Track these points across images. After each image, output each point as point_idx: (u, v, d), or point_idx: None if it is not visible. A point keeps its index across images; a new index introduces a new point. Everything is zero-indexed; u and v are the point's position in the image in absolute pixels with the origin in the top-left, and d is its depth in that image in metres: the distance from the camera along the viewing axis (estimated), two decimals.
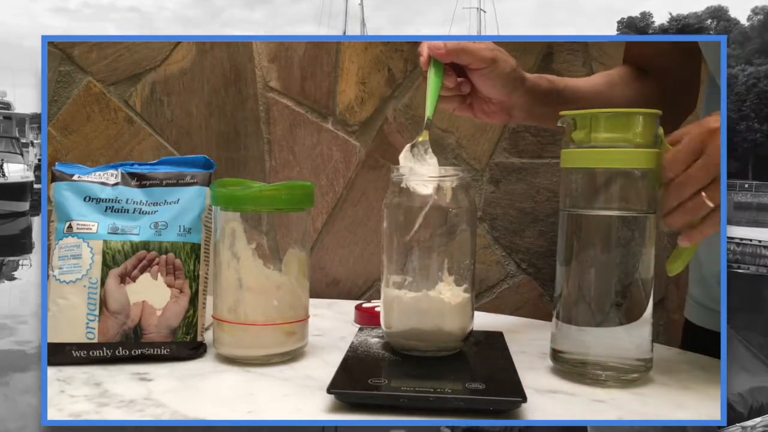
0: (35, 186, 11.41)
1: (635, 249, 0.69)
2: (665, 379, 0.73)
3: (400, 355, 0.75)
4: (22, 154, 11.90)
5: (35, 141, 15.68)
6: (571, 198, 0.72)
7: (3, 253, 7.13)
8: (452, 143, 1.25)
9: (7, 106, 16.28)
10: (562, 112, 0.71)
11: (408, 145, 0.77)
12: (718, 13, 31.94)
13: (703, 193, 0.63)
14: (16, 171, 10.63)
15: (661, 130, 0.68)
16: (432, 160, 0.76)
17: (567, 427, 0.67)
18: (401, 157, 0.76)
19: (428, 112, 0.77)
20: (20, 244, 8.38)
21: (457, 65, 0.79)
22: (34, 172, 12.71)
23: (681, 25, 29.37)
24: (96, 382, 0.70)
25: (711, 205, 0.63)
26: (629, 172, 0.68)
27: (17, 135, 13.05)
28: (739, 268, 8.92)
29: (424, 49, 0.76)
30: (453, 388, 0.64)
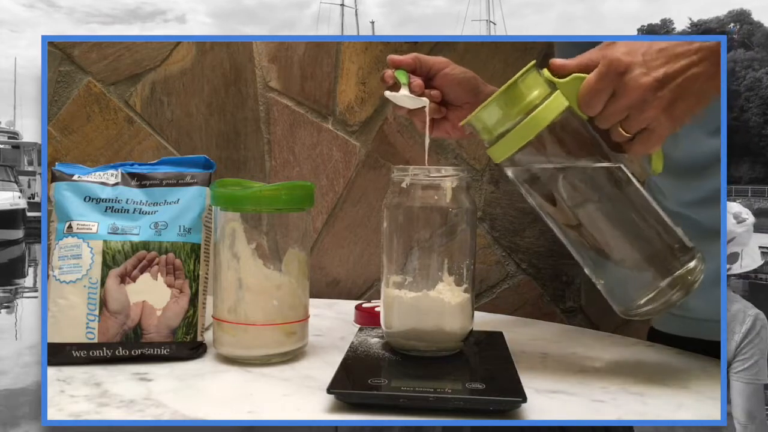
0: (30, 214, 11.14)
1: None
2: (665, 379, 0.73)
3: (400, 355, 0.75)
4: (16, 182, 11.70)
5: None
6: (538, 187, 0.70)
7: None
8: (452, 143, 1.25)
9: (15, 135, 16.22)
10: (462, 123, 0.71)
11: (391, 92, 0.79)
12: (741, 17, 31.58)
13: (619, 126, 0.66)
14: (5, 199, 10.39)
15: (545, 72, 0.68)
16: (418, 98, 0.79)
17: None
18: (386, 93, 0.78)
19: (403, 81, 0.79)
20: (8, 273, 8.05)
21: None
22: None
23: (701, 30, 29.11)
24: (96, 382, 0.70)
25: (627, 135, 0.67)
26: (553, 126, 0.67)
27: (11, 164, 12.84)
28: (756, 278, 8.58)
29: (387, 70, 0.82)
30: (453, 388, 0.64)
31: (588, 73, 0.66)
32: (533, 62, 0.68)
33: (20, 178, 13.31)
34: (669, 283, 0.68)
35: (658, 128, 0.66)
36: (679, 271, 0.68)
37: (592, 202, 0.69)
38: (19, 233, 10.43)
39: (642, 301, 0.69)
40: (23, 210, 10.90)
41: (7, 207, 10.29)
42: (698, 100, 0.65)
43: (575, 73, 0.66)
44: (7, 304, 6.55)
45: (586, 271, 0.72)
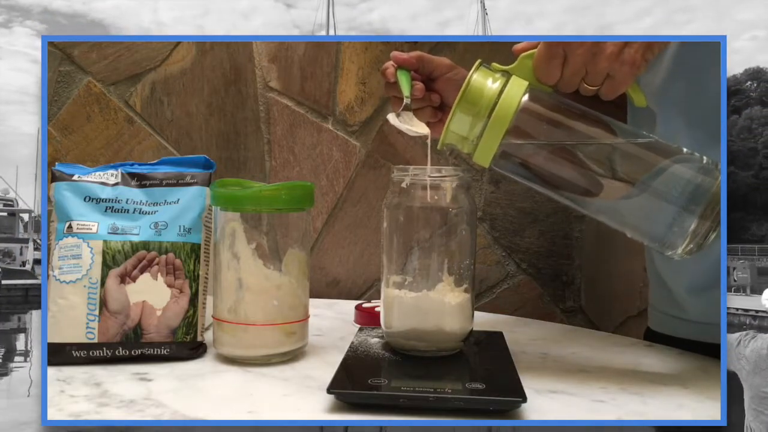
0: (10, 282, 11.02)
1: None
2: (665, 379, 0.73)
3: (400, 355, 0.75)
4: None
5: (38, 240, 15.60)
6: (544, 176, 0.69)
7: None
8: None
9: (12, 202, 16.23)
10: (439, 147, 0.72)
11: (393, 114, 0.78)
12: (758, 75, 30.43)
13: (584, 84, 0.67)
14: None
15: (495, 66, 0.69)
16: (421, 124, 0.78)
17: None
18: (390, 117, 0.78)
19: (405, 92, 0.78)
20: None
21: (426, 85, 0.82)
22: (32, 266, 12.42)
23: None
24: (96, 382, 0.70)
25: (592, 89, 0.68)
26: (525, 108, 0.67)
27: (7, 231, 12.77)
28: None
29: (389, 65, 0.81)
30: (453, 388, 0.64)
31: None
32: (479, 61, 0.70)
33: (12, 245, 13.48)
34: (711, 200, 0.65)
35: (618, 74, 0.66)
36: (713, 190, 0.65)
37: (613, 156, 0.67)
38: None
39: (693, 232, 0.65)
40: None
41: None
42: (649, 42, 0.66)
43: (523, 53, 0.68)
44: None
45: (630, 235, 0.69)
